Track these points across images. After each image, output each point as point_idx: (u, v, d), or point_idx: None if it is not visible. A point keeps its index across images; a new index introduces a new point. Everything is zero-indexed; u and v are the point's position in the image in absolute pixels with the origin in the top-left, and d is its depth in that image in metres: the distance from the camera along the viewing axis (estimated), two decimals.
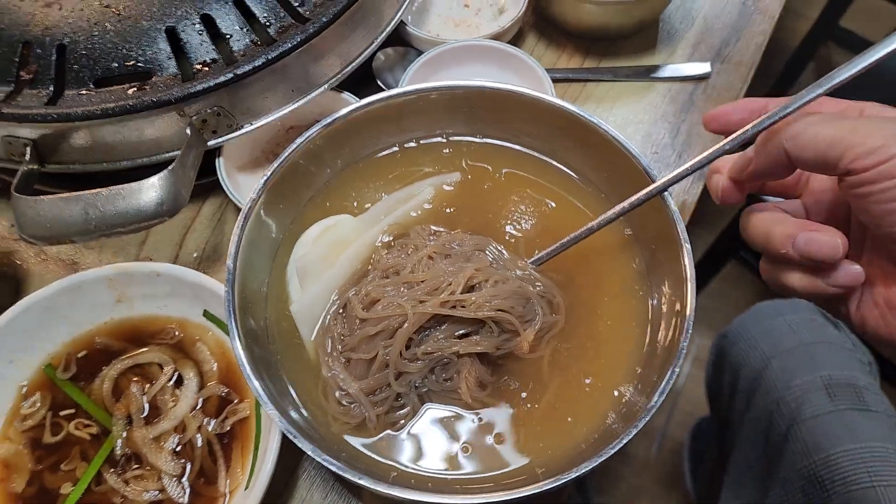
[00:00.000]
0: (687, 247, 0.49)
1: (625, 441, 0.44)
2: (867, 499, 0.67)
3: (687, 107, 0.76)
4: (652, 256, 0.55)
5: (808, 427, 0.75)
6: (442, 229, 0.57)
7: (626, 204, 0.51)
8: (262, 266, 0.56)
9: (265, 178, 0.54)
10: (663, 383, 0.45)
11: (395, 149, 0.63)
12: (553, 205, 0.60)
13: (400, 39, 0.79)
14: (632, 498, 1.50)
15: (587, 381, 0.52)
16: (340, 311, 0.54)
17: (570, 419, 0.50)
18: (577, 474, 0.42)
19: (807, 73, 1.82)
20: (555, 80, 0.74)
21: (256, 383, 0.46)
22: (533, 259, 0.54)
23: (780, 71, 1.76)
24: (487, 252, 0.54)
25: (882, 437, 0.72)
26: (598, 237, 0.53)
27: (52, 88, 0.64)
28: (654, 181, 0.51)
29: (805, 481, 0.72)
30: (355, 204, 0.60)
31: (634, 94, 0.78)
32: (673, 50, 0.81)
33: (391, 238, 0.57)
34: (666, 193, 0.51)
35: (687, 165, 0.48)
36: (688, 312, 0.47)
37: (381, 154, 0.63)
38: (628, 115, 0.76)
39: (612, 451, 0.43)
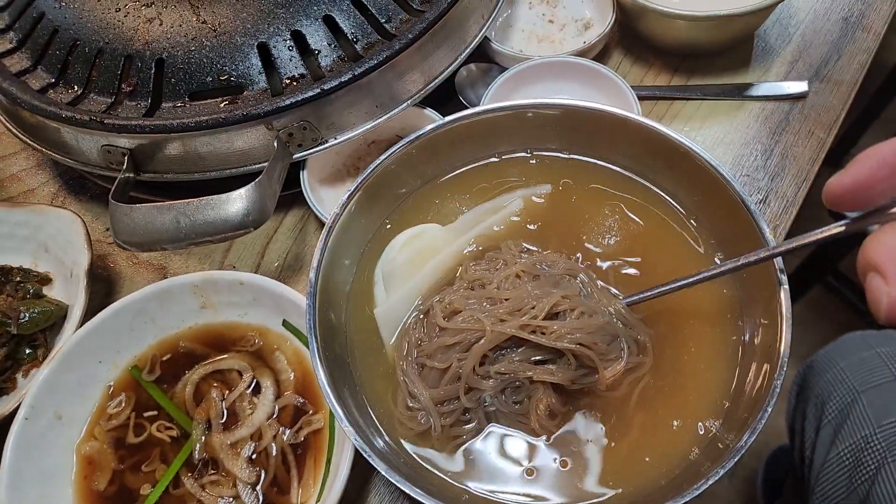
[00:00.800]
0: (785, 286, 0.46)
1: (711, 482, 0.41)
2: None
3: (782, 128, 0.72)
4: (744, 289, 0.52)
5: None
6: (534, 248, 0.56)
7: (737, 263, 0.47)
8: (343, 277, 0.56)
9: (349, 192, 0.55)
10: (755, 422, 0.43)
11: (480, 163, 0.62)
12: (643, 224, 0.58)
13: (483, 55, 0.78)
14: None
15: (674, 423, 0.49)
16: (421, 316, 0.53)
17: (647, 458, 0.48)
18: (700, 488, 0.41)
19: None
20: (641, 98, 0.72)
21: (335, 402, 0.46)
22: (627, 299, 0.52)
23: (877, 88, 1.66)
24: (578, 280, 0.52)
25: None
26: (687, 267, 0.51)
27: (149, 101, 0.67)
28: (749, 209, 0.49)
29: None
30: (440, 214, 0.60)
31: (725, 113, 0.74)
32: (768, 67, 0.78)
33: (481, 249, 0.57)
34: (763, 222, 0.48)
35: (812, 239, 0.42)
36: (782, 350, 0.45)
37: (464, 168, 0.62)
38: (718, 136, 0.73)
39: (698, 492, 0.41)
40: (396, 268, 0.56)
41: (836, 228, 0.40)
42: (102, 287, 0.70)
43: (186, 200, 0.59)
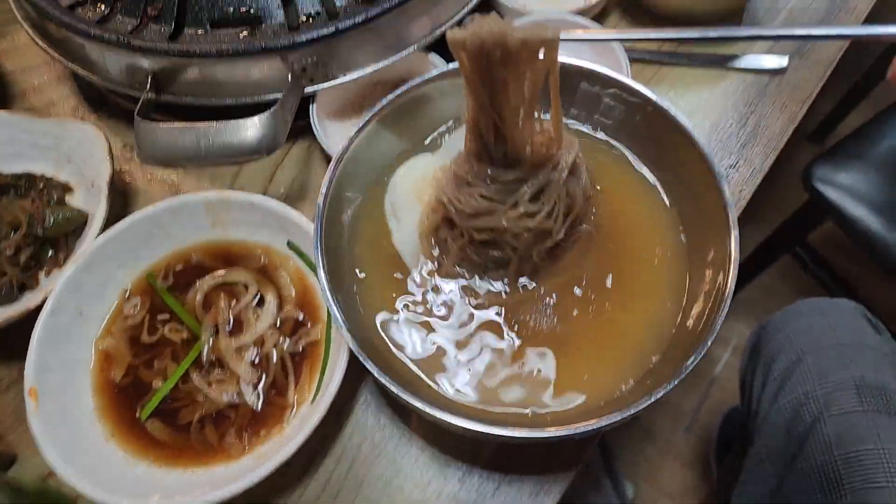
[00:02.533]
0: (735, 232, 0.52)
1: (641, 407, 0.47)
2: (881, 498, 0.70)
3: (758, 99, 0.78)
4: (699, 234, 0.58)
5: (833, 423, 0.78)
6: None
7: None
8: (346, 204, 0.62)
9: (358, 127, 0.60)
10: (693, 355, 0.48)
11: None
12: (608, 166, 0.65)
13: (489, 6, 0.82)
14: (653, 473, 1.55)
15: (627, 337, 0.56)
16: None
17: (602, 367, 0.56)
18: (593, 426, 0.47)
19: None
20: (632, 60, 0.77)
21: (335, 307, 0.52)
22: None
23: (866, 71, 1.71)
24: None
25: None
26: (646, 212, 0.58)
27: (173, 26, 0.71)
28: (712, 167, 0.55)
29: (822, 475, 0.75)
30: (435, 144, 0.67)
31: (708, 81, 0.80)
32: (753, 41, 0.83)
33: None
34: (723, 183, 0.54)
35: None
36: (728, 289, 0.51)
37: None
38: (699, 102, 0.78)
39: (628, 415, 0.47)
40: (401, 198, 0.62)
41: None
42: (119, 199, 0.75)
43: (207, 123, 0.64)
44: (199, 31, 0.70)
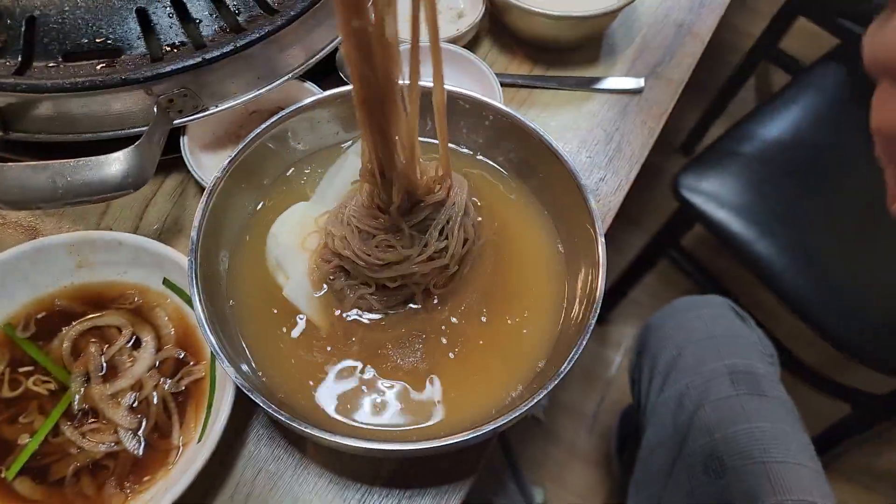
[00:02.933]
0: (601, 238, 0.56)
1: (526, 408, 0.49)
2: (757, 472, 0.76)
3: (621, 117, 0.83)
4: (571, 245, 0.62)
5: (711, 408, 0.84)
6: None
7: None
8: (224, 237, 0.61)
9: (231, 157, 0.59)
10: (572, 352, 0.51)
11: (349, 142, 0.68)
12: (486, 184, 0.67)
13: None
14: (560, 475, 1.60)
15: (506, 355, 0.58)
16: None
17: (481, 389, 0.57)
18: (483, 431, 0.48)
19: (747, 90, 1.95)
20: (504, 85, 0.81)
21: (213, 340, 0.50)
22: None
23: (721, 86, 1.87)
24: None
25: (773, 418, 0.81)
26: (526, 227, 0.61)
27: (20, 59, 0.67)
28: (580, 185, 0.58)
29: (706, 457, 0.81)
30: (307, 190, 0.66)
31: (575, 102, 0.84)
32: (613, 63, 0.89)
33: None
34: (588, 194, 0.58)
35: None
36: (598, 290, 0.54)
37: (341, 144, 0.68)
38: (568, 122, 0.83)
39: (512, 417, 0.48)
40: (285, 249, 0.61)
41: None
42: None
43: (63, 161, 0.60)
44: (50, 64, 0.66)
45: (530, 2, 0.80)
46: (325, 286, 0.60)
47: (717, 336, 0.94)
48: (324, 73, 0.78)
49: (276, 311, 0.59)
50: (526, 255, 0.63)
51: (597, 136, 0.82)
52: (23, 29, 0.67)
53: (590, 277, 0.56)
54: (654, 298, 1.82)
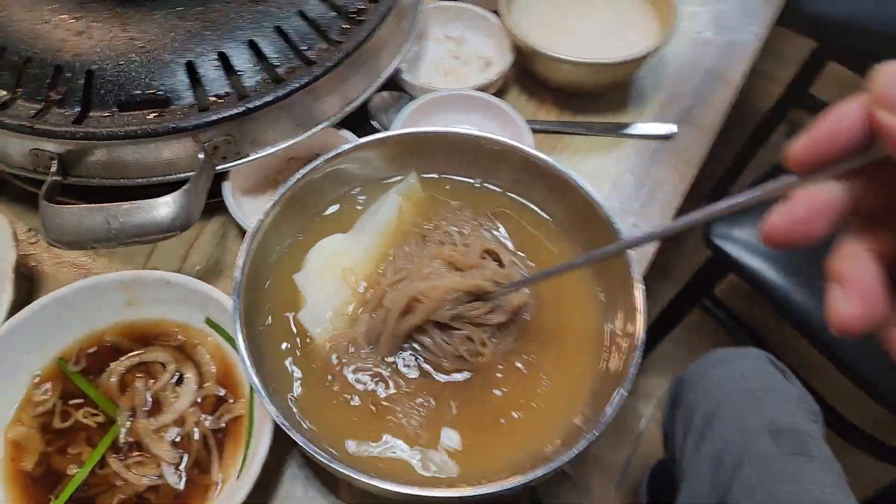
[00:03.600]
0: (640, 285, 0.56)
1: (563, 461, 0.49)
2: None
3: (652, 162, 0.85)
4: (610, 292, 0.62)
5: (753, 468, 0.81)
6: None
7: (595, 254, 0.53)
8: (263, 277, 0.63)
9: (273, 201, 0.62)
10: (609, 408, 0.51)
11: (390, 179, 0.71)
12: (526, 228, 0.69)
13: (395, 84, 0.87)
14: None
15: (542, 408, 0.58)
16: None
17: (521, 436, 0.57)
18: (517, 482, 0.48)
19: (778, 135, 1.94)
20: (535, 131, 0.83)
21: (256, 379, 0.52)
22: (509, 284, 0.60)
23: (752, 132, 1.87)
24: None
25: (819, 481, 0.78)
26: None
27: (78, 109, 0.71)
28: (615, 229, 0.59)
29: None
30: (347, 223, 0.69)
31: (605, 147, 0.86)
32: (643, 109, 0.90)
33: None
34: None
35: (652, 231, 0.45)
36: (638, 337, 0.54)
37: (382, 181, 0.71)
38: (599, 167, 0.84)
39: (551, 470, 0.49)
40: (311, 275, 0.64)
41: (766, 189, 0.33)
42: (25, 285, 0.72)
43: (117, 203, 0.63)
44: (106, 114, 0.70)
45: (557, 49, 0.83)
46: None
47: (755, 390, 0.90)
48: (358, 120, 0.81)
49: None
50: (567, 306, 0.63)
51: (628, 180, 0.83)
52: (81, 82, 0.71)
53: (627, 326, 0.57)
54: (686, 349, 1.78)
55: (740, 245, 1.25)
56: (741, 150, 1.92)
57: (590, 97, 0.91)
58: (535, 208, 0.69)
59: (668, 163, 0.85)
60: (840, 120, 0.30)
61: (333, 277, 0.64)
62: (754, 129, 1.86)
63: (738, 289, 1.64)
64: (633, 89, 0.93)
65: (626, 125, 0.88)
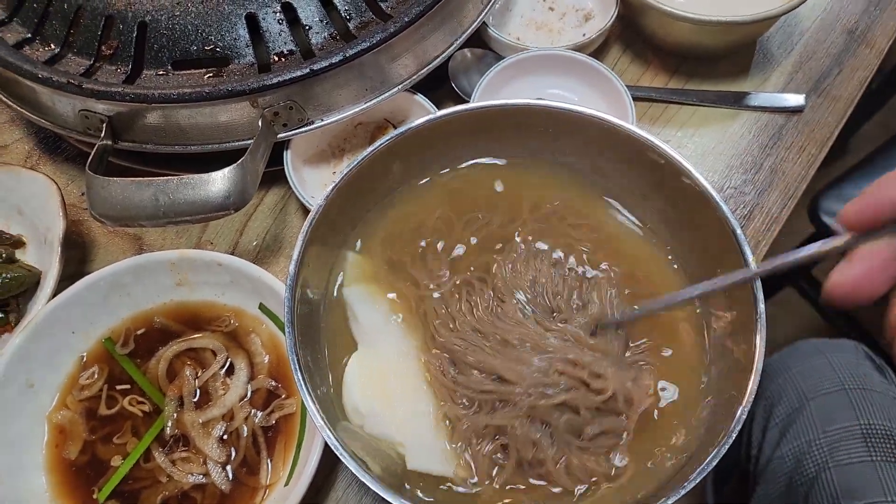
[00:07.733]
0: (762, 306, 0.46)
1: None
2: None
3: (774, 141, 0.72)
4: (721, 328, 0.52)
5: (839, 473, 0.74)
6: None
7: (723, 283, 0.46)
8: (323, 263, 0.56)
9: (334, 184, 0.53)
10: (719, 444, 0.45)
11: (464, 165, 0.61)
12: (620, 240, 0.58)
13: (478, 41, 0.76)
14: None
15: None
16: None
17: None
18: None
19: None
20: (636, 99, 0.72)
21: (310, 397, 0.46)
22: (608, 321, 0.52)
23: (875, 85, 1.65)
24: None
25: None
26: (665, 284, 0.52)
27: (130, 66, 0.65)
28: (735, 232, 0.49)
29: None
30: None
31: (719, 121, 0.74)
32: (766, 77, 0.77)
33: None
34: (746, 247, 0.48)
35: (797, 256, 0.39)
36: (745, 401, 0.45)
37: (444, 171, 0.61)
38: (709, 145, 0.72)
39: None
40: (359, 405, 0.51)
41: (825, 246, 0.37)
42: (77, 253, 0.69)
43: (166, 178, 0.58)
44: (160, 72, 0.64)
45: (672, 3, 0.70)
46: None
47: (849, 389, 0.81)
48: (435, 82, 0.72)
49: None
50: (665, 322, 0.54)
51: (744, 162, 0.71)
52: (134, 35, 0.65)
53: (740, 344, 0.48)
54: (773, 328, 1.64)
55: None
56: (854, 112, 1.70)
57: (705, 60, 0.78)
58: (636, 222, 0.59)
59: (792, 142, 0.72)
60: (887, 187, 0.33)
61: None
62: (875, 89, 1.63)
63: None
64: (756, 52, 0.79)
65: (745, 95, 0.75)
